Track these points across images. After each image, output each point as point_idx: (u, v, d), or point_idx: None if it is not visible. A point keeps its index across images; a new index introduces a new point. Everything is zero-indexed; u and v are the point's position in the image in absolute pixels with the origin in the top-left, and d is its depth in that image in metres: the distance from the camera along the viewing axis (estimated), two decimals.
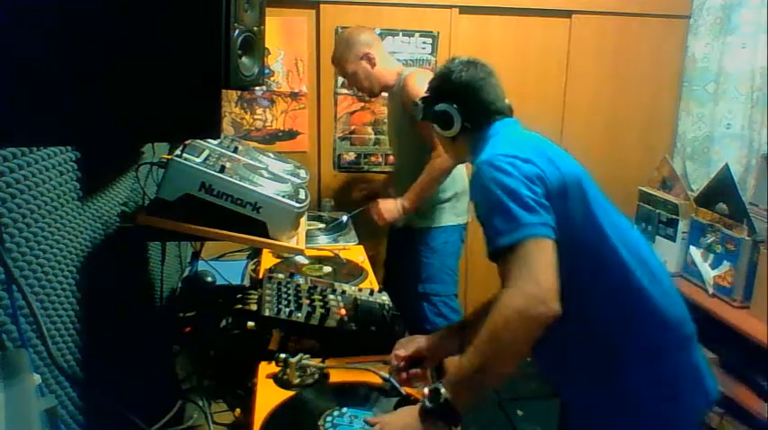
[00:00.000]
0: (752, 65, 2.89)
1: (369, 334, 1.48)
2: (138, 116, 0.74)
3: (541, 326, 1.03)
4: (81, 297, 1.14)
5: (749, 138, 2.95)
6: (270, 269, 2.00)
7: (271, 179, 1.47)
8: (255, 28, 1.07)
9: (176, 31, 0.72)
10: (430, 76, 1.55)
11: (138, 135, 0.90)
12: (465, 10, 2.98)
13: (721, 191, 2.62)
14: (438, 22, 2.98)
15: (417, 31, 2.97)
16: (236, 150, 1.59)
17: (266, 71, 2.84)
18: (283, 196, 1.39)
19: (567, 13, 3.08)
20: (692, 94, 3.13)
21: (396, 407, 1.21)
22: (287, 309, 1.46)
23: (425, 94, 1.46)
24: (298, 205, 1.39)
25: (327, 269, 2.07)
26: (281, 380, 1.33)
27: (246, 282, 2.10)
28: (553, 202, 1.13)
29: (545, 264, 1.05)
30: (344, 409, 1.21)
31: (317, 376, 1.35)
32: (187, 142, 1.38)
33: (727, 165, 2.66)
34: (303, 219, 1.53)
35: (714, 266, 2.58)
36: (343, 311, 1.53)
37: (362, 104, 3.05)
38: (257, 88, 2.86)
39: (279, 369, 1.35)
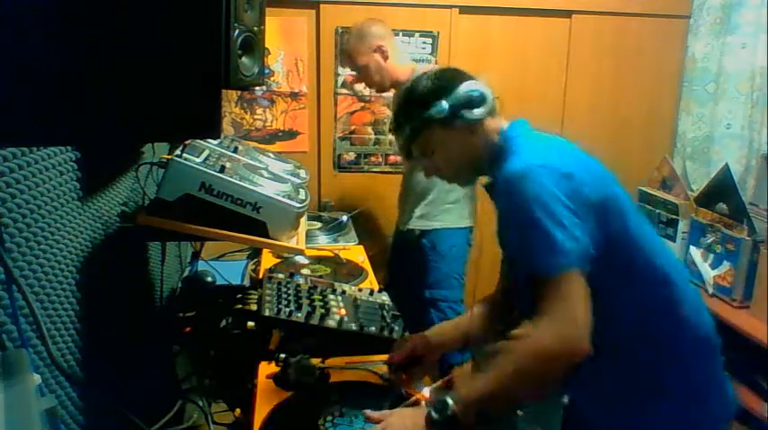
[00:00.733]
0: (752, 65, 2.89)
1: (368, 334, 1.48)
2: (138, 116, 0.74)
3: (572, 365, 1.00)
4: (81, 297, 1.14)
5: (749, 138, 2.95)
6: (270, 269, 2.00)
7: (271, 179, 1.47)
8: (255, 28, 1.07)
9: (176, 31, 0.72)
10: None
11: (138, 135, 0.89)
12: (465, 10, 2.98)
13: (721, 191, 2.62)
14: (438, 22, 2.97)
15: (417, 31, 2.97)
16: (236, 150, 1.59)
17: (266, 71, 2.84)
18: (283, 196, 1.39)
19: (566, 13, 3.08)
20: (692, 94, 3.13)
21: (392, 407, 1.20)
22: (287, 309, 1.47)
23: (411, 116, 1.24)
24: (298, 205, 1.39)
25: (327, 269, 2.07)
26: (281, 380, 1.33)
27: (246, 282, 2.10)
28: (592, 218, 1.07)
29: (582, 298, 1.02)
30: (344, 409, 1.21)
31: (317, 376, 1.35)
32: (187, 142, 1.38)
33: (727, 165, 2.66)
34: (303, 219, 1.53)
35: (714, 266, 2.58)
36: (342, 311, 1.53)
37: (362, 104, 3.04)
38: (257, 88, 2.86)
39: (279, 369, 1.35)
